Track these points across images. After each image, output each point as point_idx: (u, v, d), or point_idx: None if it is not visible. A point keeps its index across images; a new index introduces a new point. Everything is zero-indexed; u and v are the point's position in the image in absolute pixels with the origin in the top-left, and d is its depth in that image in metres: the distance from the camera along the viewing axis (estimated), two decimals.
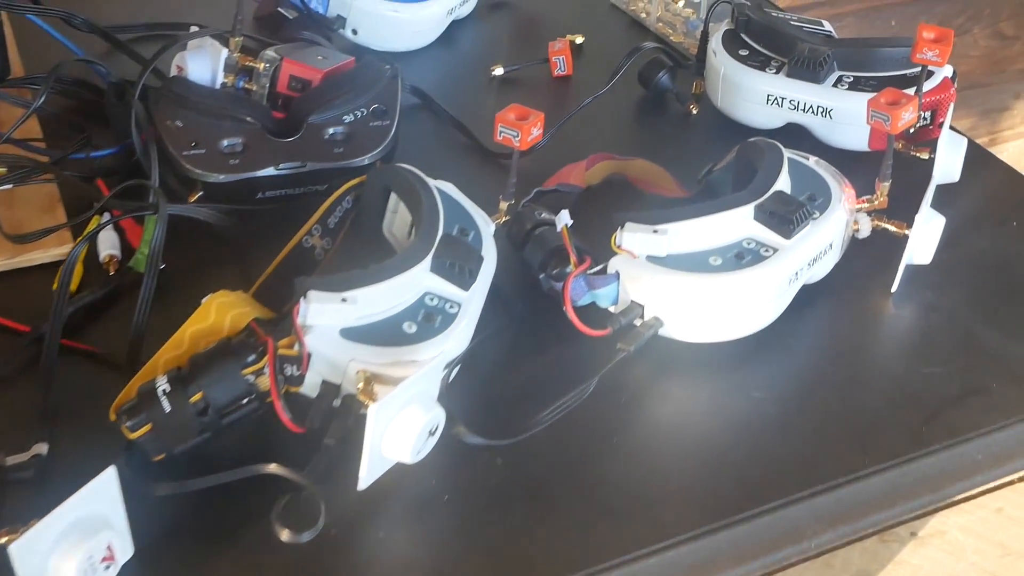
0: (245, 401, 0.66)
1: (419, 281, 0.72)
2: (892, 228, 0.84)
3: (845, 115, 0.94)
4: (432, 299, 0.72)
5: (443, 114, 1.00)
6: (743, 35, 1.01)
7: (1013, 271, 0.87)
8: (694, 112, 1.03)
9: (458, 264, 0.73)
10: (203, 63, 0.90)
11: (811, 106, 0.95)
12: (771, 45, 0.99)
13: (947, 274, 0.85)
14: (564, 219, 0.77)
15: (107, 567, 0.60)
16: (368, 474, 0.64)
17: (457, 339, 0.70)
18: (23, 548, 0.56)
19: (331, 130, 0.88)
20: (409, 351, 0.68)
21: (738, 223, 0.77)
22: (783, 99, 0.96)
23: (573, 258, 0.76)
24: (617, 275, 0.75)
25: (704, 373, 0.77)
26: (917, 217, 0.81)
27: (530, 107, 0.80)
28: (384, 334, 0.69)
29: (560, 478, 0.69)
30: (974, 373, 0.78)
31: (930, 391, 0.76)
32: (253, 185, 0.85)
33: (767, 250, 0.76)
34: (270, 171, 0.85)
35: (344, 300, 0.68)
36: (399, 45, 1.08)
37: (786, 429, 0.73)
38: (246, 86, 0.92)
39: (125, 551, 0.61)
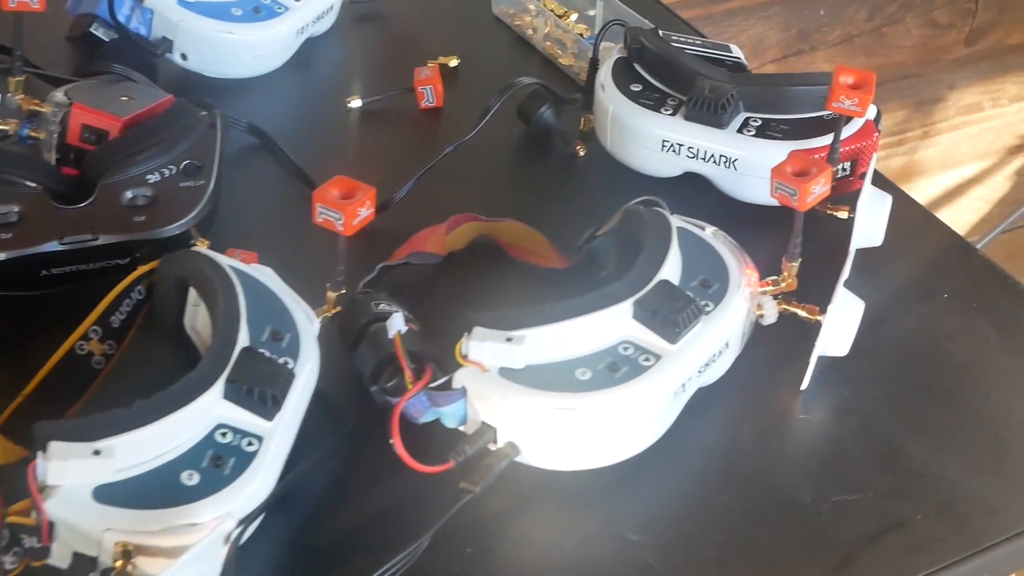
0: None
1: (207, 413, 0.57)
2: (802, 313, 0.70)
3: (751, 166, 0.80)
4: (225, 434, 0.57)
5: (285, 161, 0.85)
6: (636, 65, 0.86)
7: (943, 360, 0.74)
8: (581, 154, 0.88)
9: (258, 389, 0.58)
10: None
11: (712, 155, 0.81)
12: (668, 79, 0.84)
13: (866, 366, 0.71)
14: (397, 325, 0.62)
15: None
16: None
17: (253, 489, 0.56)
18: None
19: (130, 193, 0.72)
20: (184, 512, 0.54)
21: (613, 324, 0.63)
22: (680, 145, 0.82)
23: (408, 374, 0.62)
24: (464, 391, 0.62)
25: (570, 510, 0.63)
26: (831, 307, 0.68)
27: (392, 145, 0.66)
28: (154, 490, 0.54)
29: None
30: (895, 500, 0.64)
31: (843, 527, 0.63)
32: (33, 263, 0.70)
33: (647, 358, 0.62)
34: (53, 246, 0.70)
35: (97, 452, 0.53)
36: (238, 71, 0.92)
37: None
38: (32, 134, 0.76)
39: None
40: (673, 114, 0.82)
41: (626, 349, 0.63)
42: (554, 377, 0.61)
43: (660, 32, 0.89)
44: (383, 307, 0.67)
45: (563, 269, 0.76)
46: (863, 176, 0.78)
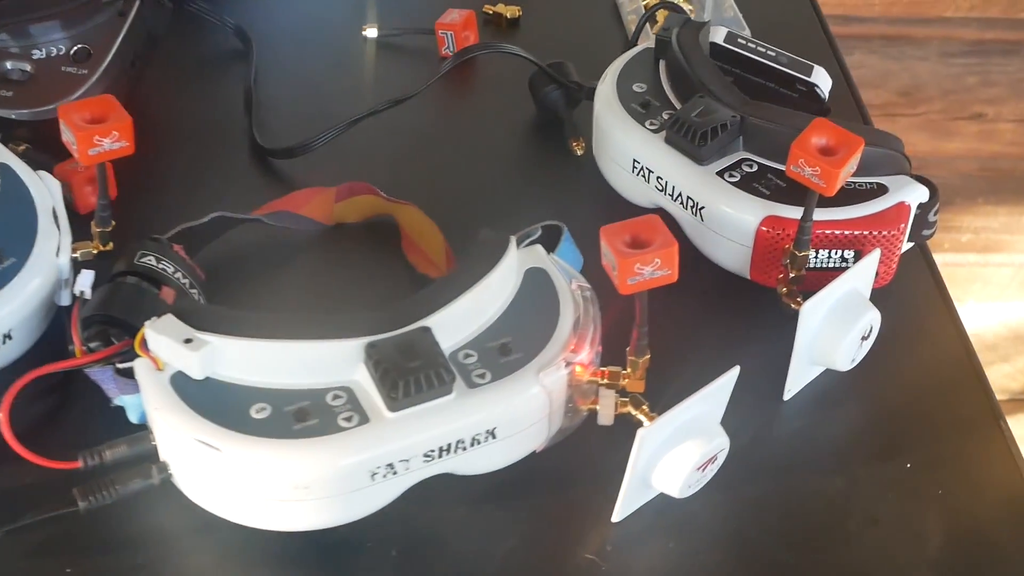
0: None
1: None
2: (642, 418, 0.53)
3: (716, 220, 0.62)
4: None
5: (245, 75, 0.76)
6: (662, 62, 0.69)
7: None
8: (578, 153, 0.72)
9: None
10: None
11: (680, 193, 0.63)
12: (677, 86, 0.67)
13: None
14: (82, 283, 0.52)
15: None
16: None
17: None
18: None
19: (9, 64, 0.66)
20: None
21: (331, 364, 0.49)
22: (650, 172, 0.64)
23: (76, 343, 0.51)
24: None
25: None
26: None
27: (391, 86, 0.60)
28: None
29: None
30: None
31: None
32: None
33: (351, 417, 0.49)
34: None
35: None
36: None
37: None
38: None
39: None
40: (657, 131, 0.65)
41: (336, 398, 0.49)
42: (225, 403, 0.49)
43: (730, 32, 0.71)
44: (149, 261, 0.57)
45: (433, 280, 0.62)
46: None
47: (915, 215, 0.62)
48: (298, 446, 0.47)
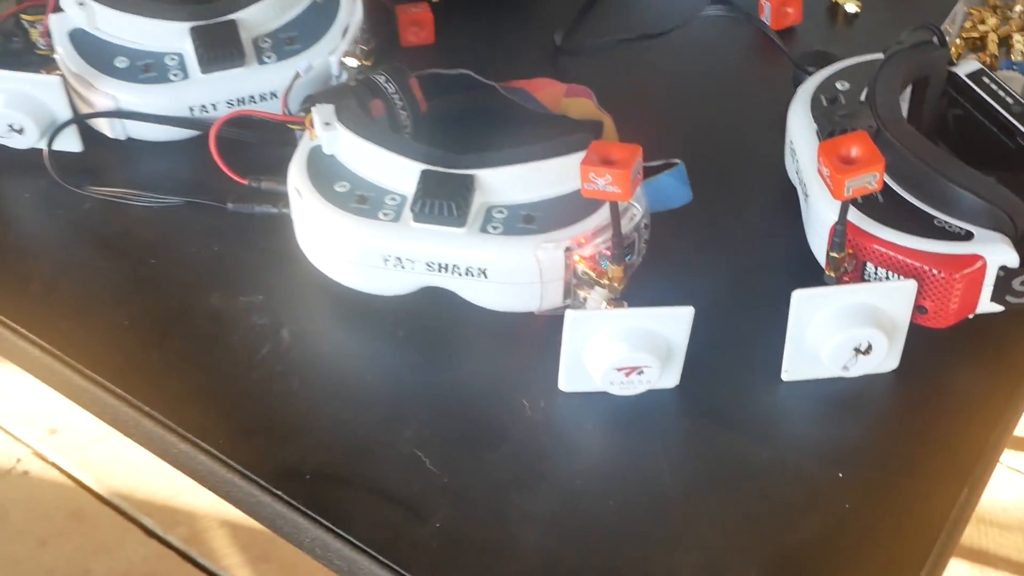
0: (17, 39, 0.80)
1: (174, 35, 0.76)
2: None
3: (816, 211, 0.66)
4: (172, 59, 0.75)
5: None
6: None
7: None
8: None
9: (204, 49, 0.74)
10: None
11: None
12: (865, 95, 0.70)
13: None
14: (302, 66, 0.72)
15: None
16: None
17: (116, 96, 0.74)
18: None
19: None
20: (83, 75, 0.75)
21: (400, 177, 0.65)
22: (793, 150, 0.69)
23: (282, 104, 0.72)
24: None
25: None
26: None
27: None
28: (97, 55, 0.75)
29: None
30: None
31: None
32: None
33: (388, 215, 0.64)
34: None
35: (82, 4, 0.75)
36: None
37: None
38: None
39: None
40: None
41: (391, 200, 0.66)
42: (325, 174, 0.67)
43: (981, 69, 0.72)
44: (379, 78, 0.75)
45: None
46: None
47: (998, 276, 0.62)
48: (342, 215, 0.65)
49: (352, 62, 0.78)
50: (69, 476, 1.55)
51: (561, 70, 0.85)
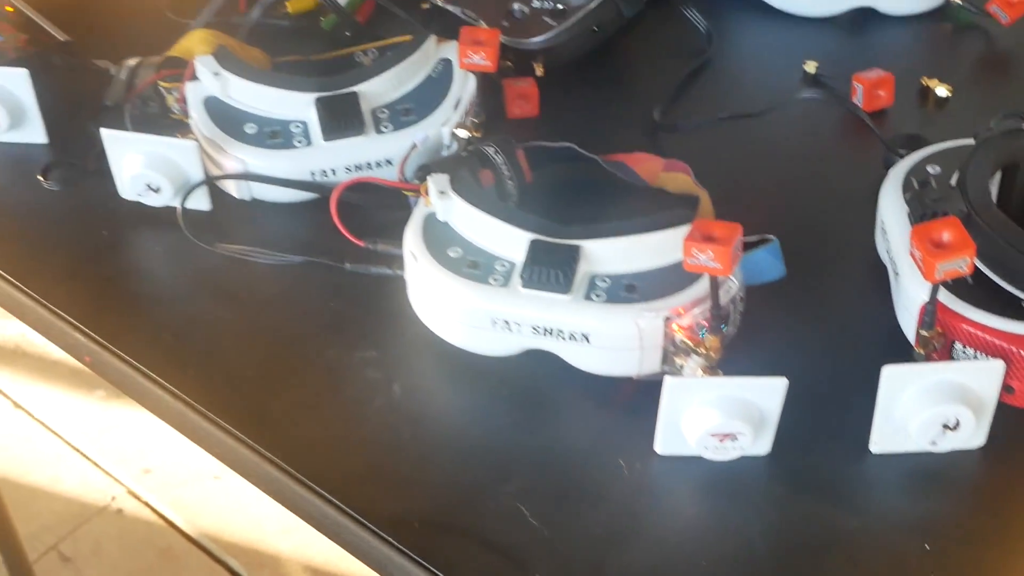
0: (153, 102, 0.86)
1: (299, 105, 0.81)
2: None
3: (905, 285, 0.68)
4: (297, 126, 0.81)
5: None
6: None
7: None
8: None
9: (329, 119, 0.80)
10: None
11: None
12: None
13: None
14: (418, 136, 0.77)
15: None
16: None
17: (245, 160, 0.80)
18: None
19: (517, 5, 0.92)
20: (215, 139, 0.80)
21: (511, 245, 0.69)
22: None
23: (399, 171, 0.77)
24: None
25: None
26: None
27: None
28: (228, 121, 0.81)
29: None
30: None
31: None
32: (452, 18, 0.96)
33: (498, 280, 0.68)
34: (457, 11, 0.95)
35: (217, 75, 0.81)
36: (787, 4, 0.99)
37: None
38: None
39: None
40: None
41: (501, 266, 0.70)
42: (440, 239, 0.71)
43: None
44: (488, 149, 0.80)
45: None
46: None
47: None
48: (455, 280, 0.69)
49: (463, 133, 0.83)
50: (160, 516, 1.61)
51: (659, 145, 0.89)
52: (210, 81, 0.82)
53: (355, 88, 0.81)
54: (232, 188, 0.82)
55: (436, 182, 0.73)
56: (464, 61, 0.78)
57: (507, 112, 0.90)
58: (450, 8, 0.95)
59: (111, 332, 0.75)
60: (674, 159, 0.84)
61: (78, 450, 1.69)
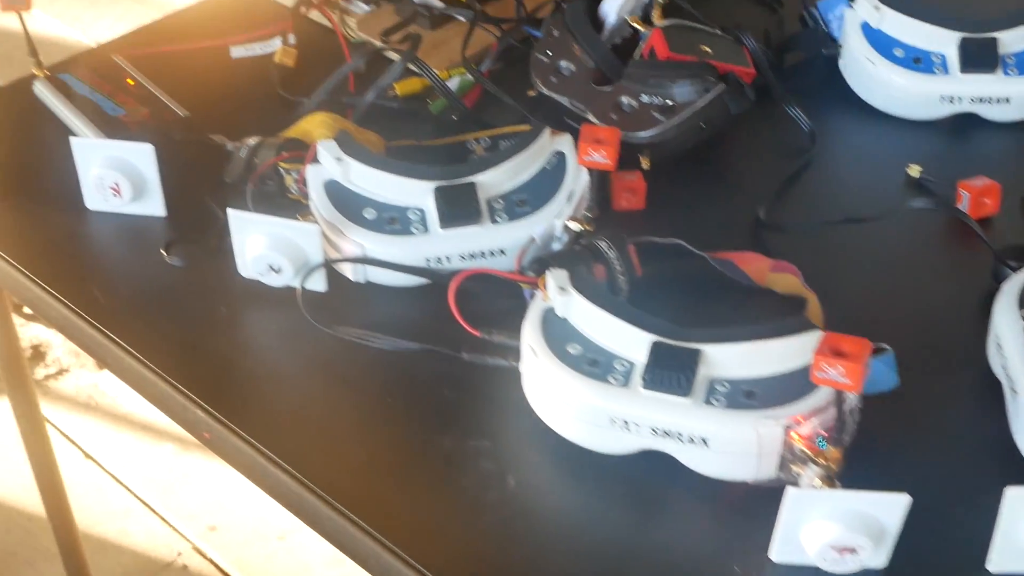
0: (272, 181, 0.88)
1: (418, 193, 0.83)
2: None
3: None
4: (414, 213, 0.83)
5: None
6: None
7: None
8: None
9: (447, 209, 0.81)
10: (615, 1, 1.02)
11: None
12: None
13: None
14: (538, 231, 0.78)
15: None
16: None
17: (363, 244, 0.81)
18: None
19: (625, 99, 0.94)
20: (335, 223, 0.82)
21: (631, 344, 0.70)
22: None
23: (516, 264, 0.78)
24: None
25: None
26: None
27: None
28: (348, 205, 0.83)
29: None
30: None
31: None
32: (558, 107, 0.98)
33: (618, 381, 0.70)
34: (565, 101, 0.97)
35: (339, 160, 0.83)
36: (890, 107, 1.01)
37: None
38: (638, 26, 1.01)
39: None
40: None
41: (621, 366, 0.71)
42: (559, 334, 0.73)
43: None
44: (601, 243, 0.81)
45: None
46: None
47: None
48: (574, 377, 0.70)
49: (575, 226, 0.84)
50: (225, 573, 1.62)
51: (763, 243, 0.90)
52: (332, 165, 0.84)
53: (473, 178, 0.83)
54: (348, 270, 0.84)
55: (556, 278, 0.75)
56: (584, 159, 0.80)
57: (613, 204, 0.92)
58: (557, 98, 0.97)
59: (230, 410, 0.77)
60: (782, 260, 0.85)
61: (146, 504, 1.70)
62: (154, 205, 0.91)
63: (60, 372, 1.91)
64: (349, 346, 0.80)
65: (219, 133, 0.97)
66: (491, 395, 0.77)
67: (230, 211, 0.81)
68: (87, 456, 1.78)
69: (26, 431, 1.20)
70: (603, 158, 0.79)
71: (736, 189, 0.96)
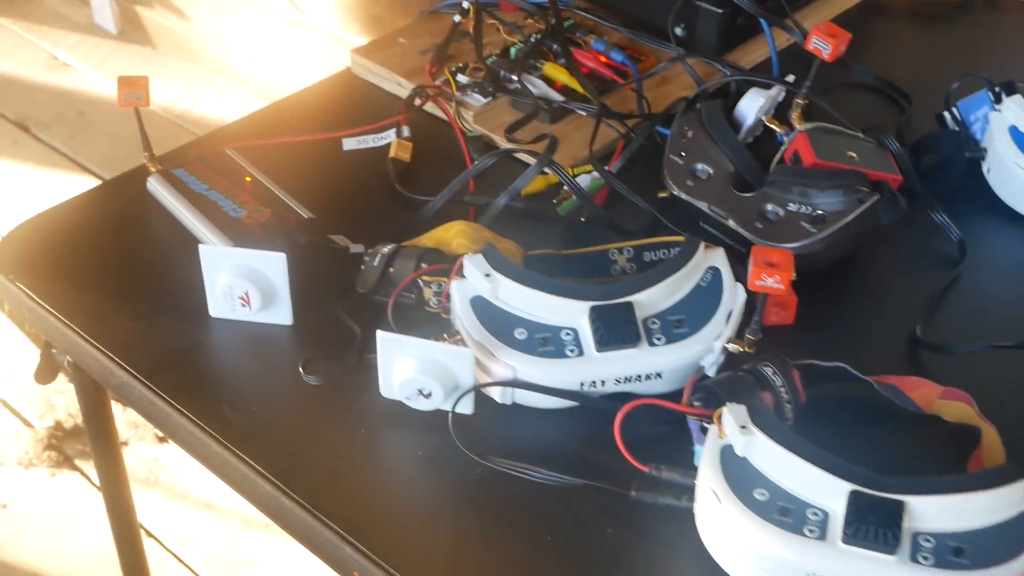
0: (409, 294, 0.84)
1: (572, 312, 0.79)
2: None
3: None
4: (567, 334, 0.78)
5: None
6: None
7: None
8: None
9: (604, 330, 0.77)
10: (754, 100, 0.98)
11: None
12: None
13: None
14: (709, 361, 0.74)
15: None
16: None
17: (515, 367, 0.77)
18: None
19: (770, 207, 0.90)
20: (484, 343, 0.78)
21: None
22: None
23: (686, 395, 0.74)
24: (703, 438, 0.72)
25: None
26: None
27: None
28: (497, 323, 0.79)
29: None
30: None
31: None
32: (694, 211, 0.94)
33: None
34: (703, 206, 0.93)
35: (488, 276, 0.79)
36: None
37: None
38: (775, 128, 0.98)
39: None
40: None
41: (815, 515, 0.66)
42: (740, 477, 0.68)
43: None
44: (767, 370, 0.77)
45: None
46: None
47: None
48: (766, 528, 0.66)
49: (733, 348, 0.80)
50: None
51: (921, 364, 0.86)
52: (480, 282, 0.80)
53: (630, 298, 0.79)
54: (495, 392, 0.79)
55: (735, 415, 0.70)
56: (756, 283, 0.76)
57: (762, 319, 0.88)
58: (695, 203, 0.93)
59: (382, 547, 0.72)
60: (952, 387, 0.80)
61: None
62: (282, 314, 0.87)
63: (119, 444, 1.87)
64: (500, 475, 0.76)
65: (339, 233, 0.93)
66: (660, 535, 0.72)
67: (380, 334, 0.76)
68: (148, 534, 1.74)
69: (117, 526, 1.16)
70: (776, 283, 0.75)
71: (885, 303, 0.92)
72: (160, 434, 1.85)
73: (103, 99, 2.57)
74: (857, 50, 1.02)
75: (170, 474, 1.81)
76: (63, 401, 1.91)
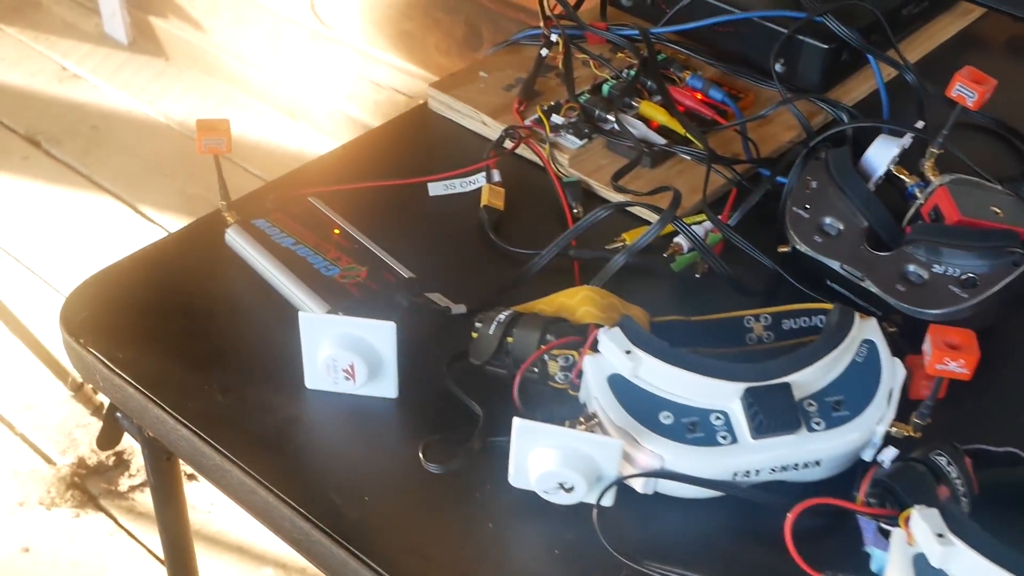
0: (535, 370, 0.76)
1: (724, 395, 0.71)
2: None
3: None
4: (718, 418, 0.71)
5: None
6: None
7: None
8: None
9: (762, 415, 0.70)
10: (885, 149, 0.90)
11: None
12: None
13: None
14: (886, 455, 0.67)
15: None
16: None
17: (663, 456, 0.70)
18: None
19: (911, 267, 0.83)
20: (628, 429, 0.71)
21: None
22: None
23: (861, 493, 0.67)
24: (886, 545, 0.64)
25: None
26: None
27: None
28: (639, 405, 0.71)
29: None
30: None
31: None
32: (821, 269, 0.87)
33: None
34: (835, 264, 0.85)
35: (628, 352, 0.72)
36: None
37: None
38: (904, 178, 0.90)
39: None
40: None
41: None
42: None
43: None
44: (941, 460, 0.70)
45: None
46: None
47: None
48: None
49: (898, 432, 0.73)
50: None
51: None
52: (618, 359, 0.72)
53: (787, 379, 0.72)
54: (637, 483, 0.72)
55: (929, 521, 0.63)
56: (937, 367, 0.68)
57: (910, 392, 0.80)
58: (826, 261, 0.86)
59: None
60: None
61: None
62: (387, 387, 0.79)
63: (146, 484, 1.78)
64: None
65: (435, 291, 0.86)
66: None
67: (517, 421, 0.69)
68: None
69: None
70: (960, 368, 0.68)
71: None
72: (189, 471, 1.77)
73: (116, 112, 2.48)
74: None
75: (201, 514, 1.72)
76: (85, 436, 1.82)
